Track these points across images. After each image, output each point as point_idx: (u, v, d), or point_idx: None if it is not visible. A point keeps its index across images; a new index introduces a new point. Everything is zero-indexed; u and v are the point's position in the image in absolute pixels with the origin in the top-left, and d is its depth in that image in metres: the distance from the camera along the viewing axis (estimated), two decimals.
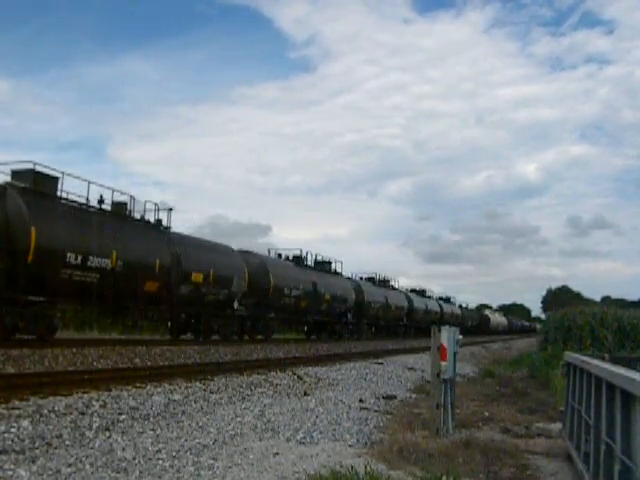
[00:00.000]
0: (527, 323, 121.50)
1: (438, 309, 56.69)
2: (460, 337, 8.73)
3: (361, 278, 41.10)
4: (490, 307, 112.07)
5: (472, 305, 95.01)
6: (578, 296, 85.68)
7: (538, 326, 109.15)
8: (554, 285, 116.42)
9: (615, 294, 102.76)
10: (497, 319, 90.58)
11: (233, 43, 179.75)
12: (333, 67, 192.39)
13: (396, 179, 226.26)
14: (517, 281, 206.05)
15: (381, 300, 41.05)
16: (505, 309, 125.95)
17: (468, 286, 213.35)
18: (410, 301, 48.69)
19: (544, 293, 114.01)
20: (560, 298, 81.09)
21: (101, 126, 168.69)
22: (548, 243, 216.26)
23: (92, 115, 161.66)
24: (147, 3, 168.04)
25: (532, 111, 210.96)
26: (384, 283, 45.04)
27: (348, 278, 37.52)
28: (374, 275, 43.73)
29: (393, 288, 46.79)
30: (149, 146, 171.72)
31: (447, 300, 65.99)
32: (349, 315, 35.90)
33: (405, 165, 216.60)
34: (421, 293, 57.04)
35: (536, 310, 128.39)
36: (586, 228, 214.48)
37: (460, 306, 70.15)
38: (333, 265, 35.63)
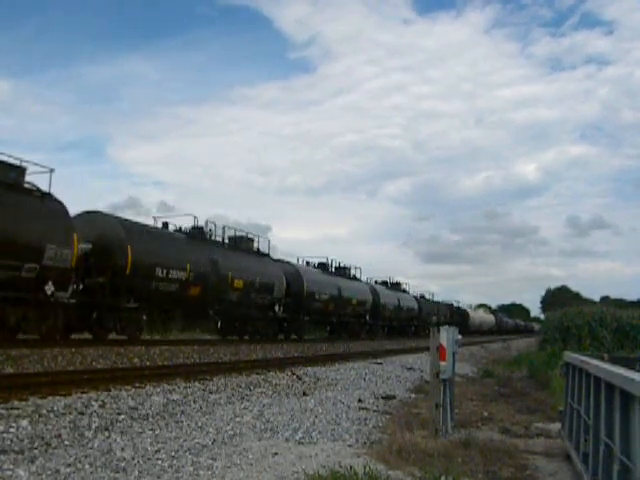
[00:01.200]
0: (522, 322, 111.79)
1: (369, 297, 38.22)
2: (459, 337, 8.73)
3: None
4: (488, 306, 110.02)
5: (473, 305, 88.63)
6: (577, 296, 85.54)
7: (537, 326, 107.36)
8: (553, 285, 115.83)
9: (614, 294, 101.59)
10: (480, 316, 75.51)
11: (233, 43, 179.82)
12: (333, 67, 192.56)
13: (396, 179, 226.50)
14: (516, 281, 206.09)
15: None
16: (504, 309, 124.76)
17: (467, 286, 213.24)
18: (294, 282, 28.90)
19: (543, 293, 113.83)
20: (559, 298, 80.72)
21: (101, 126, 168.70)
22: (547, 243, 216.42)
23: (92, 115, 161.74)
24: (147, 3, 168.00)
25: (532, 111, 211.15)
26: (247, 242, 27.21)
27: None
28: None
29: (259, 253, 27.66)
30: (149, 146, 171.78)
31: (394, 286, 45.96)
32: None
33: (405, 165, 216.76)
34: (340, 272, 36.54)
35: (535, 310, 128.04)
36: (585, 228, 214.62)
37: (422, 297, 53.73)
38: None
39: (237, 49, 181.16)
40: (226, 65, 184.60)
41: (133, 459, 5.74)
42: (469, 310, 70.71)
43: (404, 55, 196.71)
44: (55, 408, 7.69)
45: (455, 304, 66.81)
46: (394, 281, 48.48)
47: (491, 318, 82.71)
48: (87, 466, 5.39)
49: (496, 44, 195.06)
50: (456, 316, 61.26)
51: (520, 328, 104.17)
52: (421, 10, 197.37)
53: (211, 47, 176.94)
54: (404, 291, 48.64)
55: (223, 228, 25.32)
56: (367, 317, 38.26)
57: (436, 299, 61.67)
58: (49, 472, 5.12)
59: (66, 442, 6.25)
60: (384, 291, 42.27)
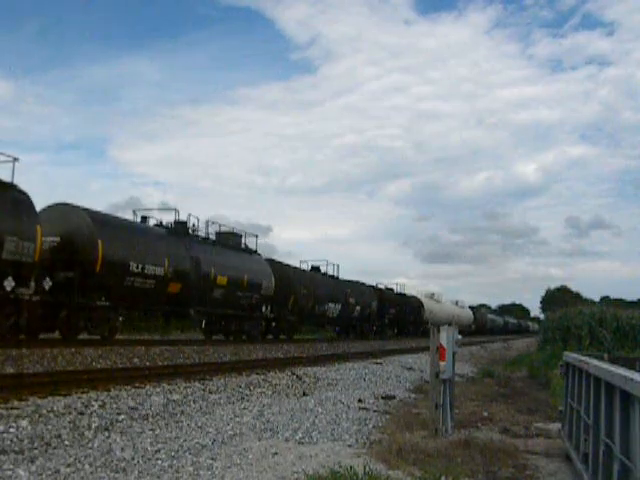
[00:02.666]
0: (515, 321, 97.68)
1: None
2: (459, 337, 8.73)
3: None
4: (488, 307, 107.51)
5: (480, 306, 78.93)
6: (577, 296, 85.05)
7: (533, 325, 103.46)
8: (553, 285, 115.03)
9: (614, 294, 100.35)
10: (446, 310, 54.56)
11: (235, 44, 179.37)
12: (334, 68, 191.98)
13: (396, 179, 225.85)
14: (516, 281, 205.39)
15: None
16: (504, 309, 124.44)
17: (467, 286, 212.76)
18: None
19: (543, 293, 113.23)
20: (559, 298, 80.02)
21: (102, 127, 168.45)
22: (547, 243, 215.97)
23: (93, 116, 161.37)
24: (149, 4, 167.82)
25: (532, 112, 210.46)
26: None
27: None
28: None
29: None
30: (150, 146, 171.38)
31: (226, 238, 24.60)
32: None
33: (405, 165, 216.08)
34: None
35: (535, 310, 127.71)
36: (585, 228, 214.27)
37: (314, 269, 32.30)
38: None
39: (238, 50, 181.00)
40: (227, 66, 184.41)
41: (133, 459, 5.74)
42: (424, 299, 49.43)
43: (405, 56, 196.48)
44: (55, 408, 7.69)
45: (397, 289, 45.25)
46: (234, 230, 25.68)
47: (466, 314, 62.64)
48: (87, 466, 5.39)
49: (497, 45, 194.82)
50: (395, 308, 40.25)
51: (512, 328, 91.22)
52: (422, 11, 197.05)
53: (212, 48, 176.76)
54: (244, 249, 25.50)
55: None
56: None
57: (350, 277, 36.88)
58: (49, 472, 5.12)
59: (66, 442, 6.25)
60: (176, 246, 20.41)
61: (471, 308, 69.59)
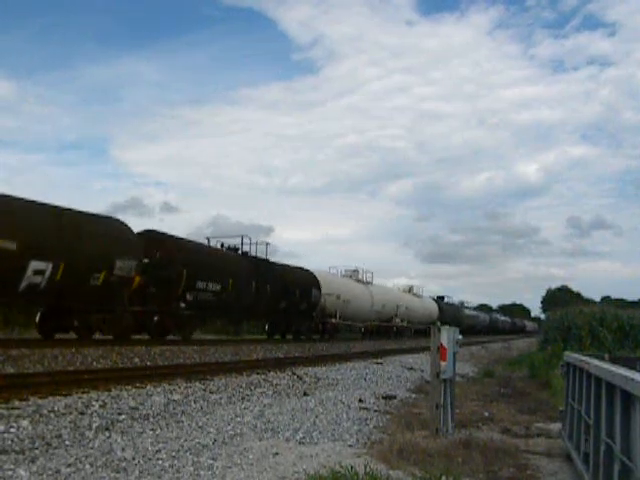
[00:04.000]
0: (506, 319, 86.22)
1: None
2: (460, 337, 8.72)
3: None
4: (492, 307, 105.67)
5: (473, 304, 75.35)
6: (578, 296, 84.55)
7: (530, 324, 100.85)
8: (554, 285, 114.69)
9: (615, 294, 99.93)
10: (376, 298, 36.61)
11: (236, 44, 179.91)
12: (336, 69, 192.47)
13: (398, 179, 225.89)
14: (517, 281, 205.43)
15: None
16: (505, 309, 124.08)
17: (468, 286, 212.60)
18: None
19: (544, 293, 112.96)
20: (560, 298, 79.57)
21: (103, 127, 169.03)
22: (548, 243, 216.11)
23: (94, 116, 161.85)
24: (150, 4, 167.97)
25: (534, 112, 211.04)
26: None
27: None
28: None
29: None
30: (151, 147, 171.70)
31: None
32: None
33: (407, 166, 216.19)
34: None
35: (536, 310, 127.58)
36: (586, 229, 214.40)
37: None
38: None
39: (240, 50, 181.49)
40: (229, 66, 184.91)
41: (134, 459, 5.74)
42: (325, 275, 31.13)
43: (407, 56, 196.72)
44: (56, 408, 7.69)
45: (242, 248, 25.08)
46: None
47: (425, 307, 47.87)
48: (88, 466, 5.39)
49: (499, 45, 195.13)
50: (223, 283, 21.34)
51: (504, 327, 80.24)
52: (424, 11, 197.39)
53: (213, 48, 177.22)
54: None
55: None
56: None
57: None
58: (50, 472, 5.12)
59: (67, 442, 6.25)
60: None
61: (439, 299, 55.17)
